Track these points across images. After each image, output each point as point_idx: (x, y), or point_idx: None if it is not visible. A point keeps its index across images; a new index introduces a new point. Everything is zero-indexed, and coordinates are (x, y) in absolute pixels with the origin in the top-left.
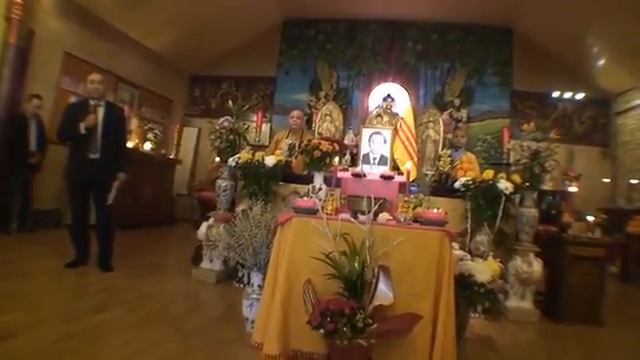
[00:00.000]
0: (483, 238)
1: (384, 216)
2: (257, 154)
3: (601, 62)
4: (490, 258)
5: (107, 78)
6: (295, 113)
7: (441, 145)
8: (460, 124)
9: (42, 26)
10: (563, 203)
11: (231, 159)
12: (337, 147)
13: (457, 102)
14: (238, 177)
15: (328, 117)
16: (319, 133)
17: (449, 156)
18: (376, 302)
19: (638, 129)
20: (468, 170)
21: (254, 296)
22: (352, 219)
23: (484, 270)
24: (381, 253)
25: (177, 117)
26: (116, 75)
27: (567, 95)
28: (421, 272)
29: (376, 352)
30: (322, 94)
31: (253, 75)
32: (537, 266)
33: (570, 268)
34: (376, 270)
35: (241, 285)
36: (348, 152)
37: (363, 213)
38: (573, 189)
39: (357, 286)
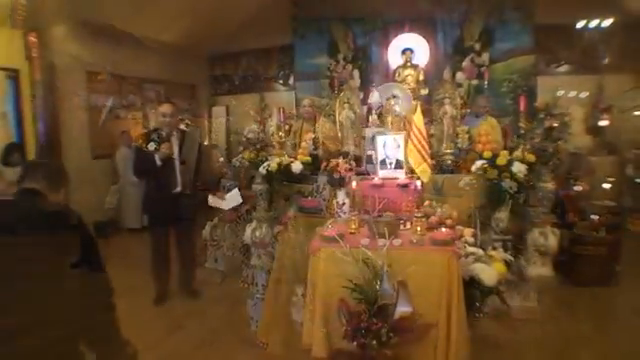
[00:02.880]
0: (502, 215)
1: (397, 242)
2: (284, 160)
3: None
4: (495, 252)
5: (132, 82)
6: (306, 102)
7: (459, 120)
8: (480, 97)
9: (60, 55)
10: (580, 172)
11: (262, 167)
12: (354, 165)
13: (477, 46)
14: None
15: (346, 104)
16: (339, 122)
17: (467, 132)
18: (397, 316)
19: None
20: (487, 144)
21: (258, 296)
22: (368, 251)
23: (491, 274)
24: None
25: (203, 99)
26: (139, 77)
27: (594, 23)
28: (434, 286)
29: (403, 351)
30: (340, 56)
31: (270, 46)
32: (553, 239)
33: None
34: (396, 285)
35: (245, 285)
36: (374, 111)
37: (381, 235)
38: (604, 123)
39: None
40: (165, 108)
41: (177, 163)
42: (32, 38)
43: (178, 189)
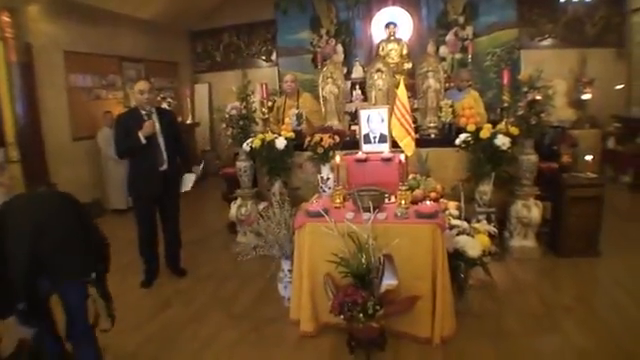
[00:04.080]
0: (486, 188)
1: (382, 215)
2: (267, 136)
3: None
4: (479, 225)
5: (111, 61)
6: (288, 77)
7: (442, 93)
8: (463, 70)
9: (36, 35)
10: (563, 145)
11: (245, 144)
12: (337, 139)
13: (461, 20)
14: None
15: (330, 79)
16: (323, 96)
17: (450, 106)
18: (383, 289)
19: None
20: (471, 117)
21: (286, 280)
22: (353, 226)
23: (475, 246)
24: (383, 250)
25: (185, 77)
26: (119, 56)
27: None
28: (419, 259)
29: (389, 322)
30: (323, 31)
31: (252, 21)
32: (536, 212)
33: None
34: (381, 259)
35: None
36: (358, 87)
37: (366, 209)
38: (586, 96)
39: (366, 279)
40: (141, 85)
41: (162, 140)
42: (5, 18)
43: (165, 166)
